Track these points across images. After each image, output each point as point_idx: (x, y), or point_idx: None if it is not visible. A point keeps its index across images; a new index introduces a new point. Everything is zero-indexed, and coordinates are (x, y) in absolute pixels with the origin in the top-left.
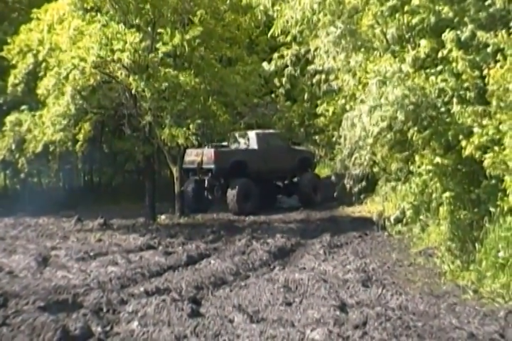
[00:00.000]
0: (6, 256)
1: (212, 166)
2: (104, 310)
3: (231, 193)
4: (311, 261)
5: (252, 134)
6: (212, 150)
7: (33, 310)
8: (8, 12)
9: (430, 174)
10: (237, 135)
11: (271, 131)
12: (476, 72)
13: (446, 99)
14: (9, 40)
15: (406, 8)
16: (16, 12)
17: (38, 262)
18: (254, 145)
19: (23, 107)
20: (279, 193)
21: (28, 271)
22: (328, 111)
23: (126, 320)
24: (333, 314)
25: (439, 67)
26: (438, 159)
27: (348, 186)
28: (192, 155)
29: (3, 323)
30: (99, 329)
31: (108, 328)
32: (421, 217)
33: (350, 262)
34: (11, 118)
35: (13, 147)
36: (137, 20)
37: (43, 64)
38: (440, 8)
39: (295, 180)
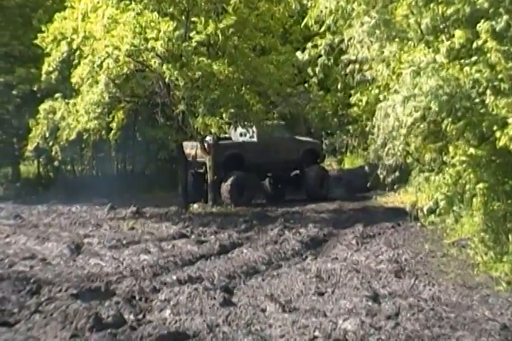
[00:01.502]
0: (39, 243)
1: (202, 159)
2: (137, 298)
3: (225, 186)
4: (344, 251)
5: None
6: (206, 143)
7: (65, 297)
8: (42, 0)
9: (464, 165)
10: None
11: (274, 122)
12: (511, 63)
13: (480, 90)
14: (43, 28)
15: None
16: (51, 0)
17: (70, 250)
18: (253, 137)
19: (57, 95)
20: (284, 185)
21: (60, 258)
22: (361, 101)
23: (159, 308)
24: (365, 304)
25: (474, 58)
26: (472, 150)
27: (381, 176)
28: (188, 148)
29: (36, 310)
30: (131, 317)
31: (140, 316)
32: (454, 208)
33: (383, 252)
34: (45, 106)
35: (47, 135)
36: (171, 9)
37: (77, 52)
38: None
39: (298, 172)
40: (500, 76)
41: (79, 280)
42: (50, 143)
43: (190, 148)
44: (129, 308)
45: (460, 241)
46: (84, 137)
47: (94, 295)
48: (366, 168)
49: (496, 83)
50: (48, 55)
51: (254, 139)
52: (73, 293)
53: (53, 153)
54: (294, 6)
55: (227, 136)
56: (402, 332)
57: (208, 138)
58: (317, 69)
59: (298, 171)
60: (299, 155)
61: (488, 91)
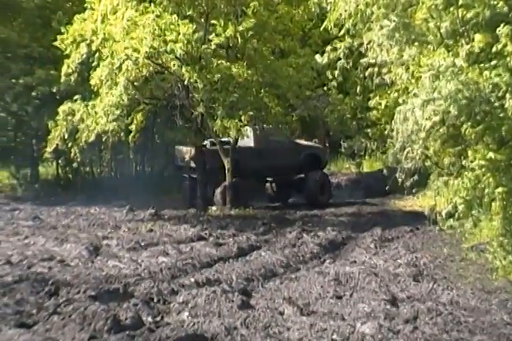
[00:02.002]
0: (57, 244)
1: (194, 165)
2: (155, 300)
3: (218, 192)
4: (362, 255)
5: (249, 130)
6: (198, 148)
7: (84, 299)
8: (62, 2)
9: (483, 169)
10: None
11: (271, 126)
12: None
13: (499, 94)
14: (63, 30)
15: (460, 2)
16: (70, 2)
17: (89, 251)
18: (250, 142)
19: (76, 97)
20: (285, 190)
21: (79, 260)
22: (380, 104)
23: (177, 311)
24: (383, 308)
25: (493, 62)
26: (491, 154)
27: (399, 180)
28: (181, 153)
29: (55, 312)
30: (149, 319)
31: (158, 318)
32: (473, 212)
33: (401, 256)
34: (64, 107)
35: (66, 136)
36: (190, 12)
37: (97, 54)
38: (495, 2)
39: (298, 177)
40: None
41: (97, 282)
42: (69, 145)
43: (184, 152)
44: (147, 310)
45: (479, 246)
46: (103, 139)
47: (112, 296)
48: (385, 171)
49: None
50: (68, 56)
51: (251, 144)
52: (91, 294)
53: (72, 154)
54: (313, 9)
55: (226, 139)
56: (421, 336)
57: (206, 142)
58: (336, 72)
59: (299, 176)
60: (298, 159)
61: (508, 95)
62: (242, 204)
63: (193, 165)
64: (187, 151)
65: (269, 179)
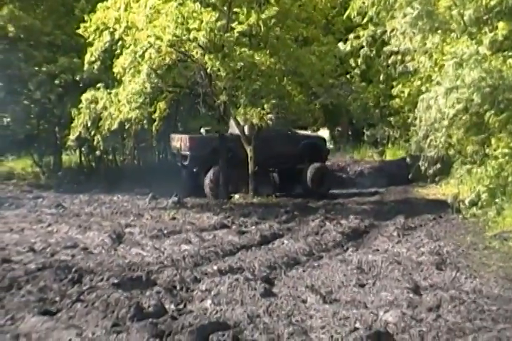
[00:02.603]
0: (80, 232)
1: (188, 153)
2: (178, 287)
3: (207, 180)
4: (385, 243)
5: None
6: (188, 136)
7: (107, 286)
8: None
9: (506, 157)
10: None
11: (269, 115)
12: None
13: None
14: (86, 18)
15: None
16: None
17: (112, 239)
18: (244, 130)
19: (99, 85)
20: (284, 181)
21: (102, 247)
22: (403, 92)
23: (200, 299)
24: (406, 296)
25: None
26: None
27: (422, 168)
28: (174, 141)
29: (78, 299)
30: (172, 306)
31: (181, 306)
32: (496, 200)
33: (424, 244)
34: (87, 95)
35: (89, 124)
36: None
37: (120, 42)
38: None
39: (298, 167)
40: None
41: (120, 270)
42: (92, 133)
43: (177, 140)
44: (169, 298)
45: (502, 234)
46: (126, 127)
47: (135, 284)
48: (408, 159)
49: None
50: (91, 44)
51: (245, 132)
52: (114, 282)
53: (95, 142)
54: None
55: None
56: (444, 324)
57: (202, 130)
58: (359, 60)
59: (299, 166)
60: (296, 149)
61: None
62: (228, 195)
63: (185, 153)
64: (179, 139)
65: (270, 169)
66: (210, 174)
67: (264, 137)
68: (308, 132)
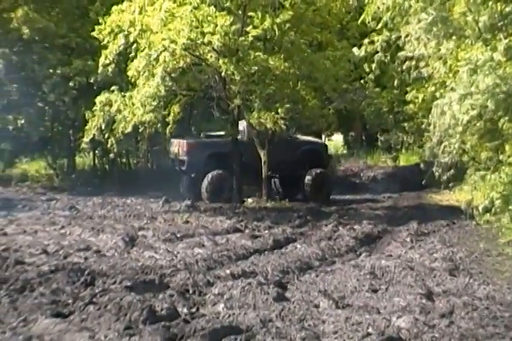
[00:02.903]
0: (93, 235)
1: (185, 158)
2: (191, 291)
3: (204, 185)
4: (398, 249)
5: (242, 124)
6: (185, 141)
7: (119, 289)
8: None
9: None
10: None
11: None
12: None
13: None
14: (101, 21)
15: None
16: None
17: (125, 242)
18: (243, 135)
19: (114, 87)
20: (285, 186)
21: (115, 250)
22: (417, 98)
23: (212, 302)
24: (419, 302)
25: None
26: None
27: (436, 174)
28: (173, 146)
29: (91, 302)
30: (185, 310)
31: (194, 310)
32: (510, 207)
33: (438, 250)
34: (101, 98)
35: (103, 127)
36: (228, 3)
37: (134, 45)
38: None
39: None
40: None
41: (133, 273)
42: (106, 136)
43: (175, 145)
44: (182, 301)
45: None
46: (140, 130)
47: (148, 287)
48: (421, 165)
49: None
50: (105, 47)
51: (242, 137)
52: (127, 285)
53: (109, 145)
54: (351, 2)
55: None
56: (456, 330)
57: (202, 135)
58: (373, 65)
59: (299, 172)
60: (295, 155)
61: None
62: (224, 200)
63: (182, 158)
64: (177, 144)
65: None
66: (207, 179)
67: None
68: (309, 138)
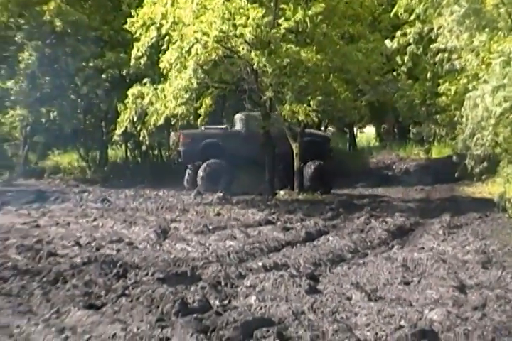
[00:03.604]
0: (126, 227)
1: (181, 148)
2: (222, 283)
3: (200, 174)
4: (430, 241)
5: (238, 116)
6: (181, 132)
7: (152, 281)
8: None
9: None
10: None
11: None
12: None
13: None
14: (133, 13)
15: None
16: None
17: (157, 234)
18: (238, 127)
19: (146, 80)
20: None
21: (147, 242)
22: (450, 90)
23: (244, 295)
24: (451, 295)
25: None
26: None
27: (469, 166)
28: (173, 137)
29: (123, 294)
30: (217, 302)
31: (226, 302)
32: None
33: (470, 243)
34: (133, 90)
35: (135, 119)
36: None
37: (166, 37)
38: None
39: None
40: None
41: (165, 265)
42: (138, 128)
43: (175, 136)
44: (214, 294)
45: None
46: (172, 122)
47: (180, 279)
48: (454, 157)
49: None
50: (137, 39)
51: (238, 128)
52: (159, 277)
53: (141, 137)
54: None
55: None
56: (489, 323)
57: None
58: (406, 57)
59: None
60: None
61: None
62: (220, 190)
63: (179, 149)
64: (175, 136)
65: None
66: (201, 169)
67: (258, 133)
68: (311, 130)
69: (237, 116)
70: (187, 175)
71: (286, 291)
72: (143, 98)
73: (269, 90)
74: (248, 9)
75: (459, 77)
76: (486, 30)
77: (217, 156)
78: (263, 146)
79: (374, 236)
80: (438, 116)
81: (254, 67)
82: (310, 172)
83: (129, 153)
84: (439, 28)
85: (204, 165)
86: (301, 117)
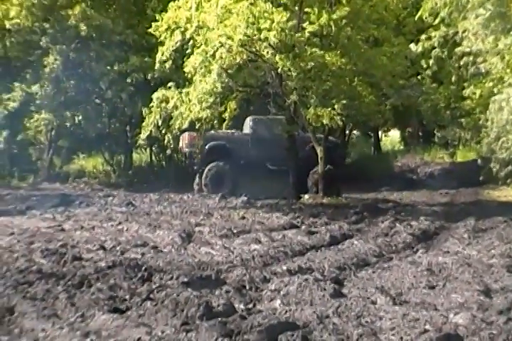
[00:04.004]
0: (150, 231)
1: (187, 150)
2: (247, 287)
3: (204, 176)
4: (455, 245)
5: (248, 119)
6: (187, 133)
7: (176, 285)
8: None
9: None
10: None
11: (278, 117)
12: None
13: None
14: (158, 17)
15: None
16: None
17: (182, 238)
18: (247, 130)
19: (170, 84)
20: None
21: (172, 246)
22: (475, 94)
23: (269, 298)
24: (476, 299)
25: None
26: None
27: (494, 170)
28: (180, 139)
29: (148, 297)
30: (241, 306)
31: (250, 305)
32: None
33: (495, 247)
34: (158, 94)
35: (160, 123)
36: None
37: (191, 41)
38: None
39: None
40: None
41: (190, 269)
42: (163, 132)
43: (182, 138)
44: (239, 297)
45: None
46: (197, 126)
47: (204, 283)
48: (479, 161)
49: None
50: (162, 44)
51: (247, 131)
52: (184, 281)
53: (166, 141)
54: None
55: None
56: None
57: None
58: (431, 61)
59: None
60: (303, 151)
61: None
62: (225, 191)
63: (184, 150)
64: (181, 138)
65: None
66: (205, 171)
67: (272, 139)
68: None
69: (247, 120)
70: (197, 178)
71: (310, 295)
72: (167, 102)
73: (294, 94)
74: (273, 13)
75: (484, 81)
76: (511, 33)
77: (223, 159)
78: (287, 150)
79: (399, 240)
80: (463, 120)
81: (279, 71)
82: (315, 179)
83: (153, 157)
84: (464, 31)
85: (207, 167)
86: (325, 121)
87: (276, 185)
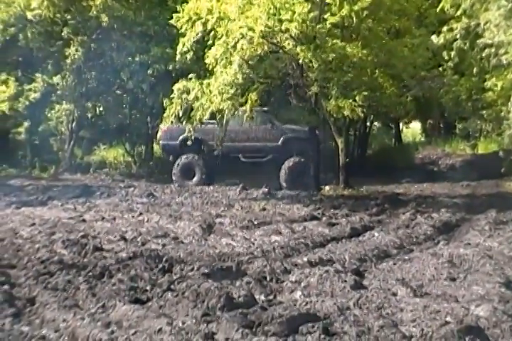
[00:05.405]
0: (171, 222)
1: (161, 142)
2: (268, 278)
3: (174, 168)
4: (476, 237)
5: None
6: (163, 126)
7: (197, 276)
8: None
9: None
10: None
11: (257, 108)
12: None
13: None
14: (179, 9)
15: None
16: None
17: (202, 229)
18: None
19: (191, 75)
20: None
21: (192, 237)
22: (496, 85)
23: (289, 290)
24: (498, 291)
25: None
26: None
27: None
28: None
29: (168, 288)
30: (262, 297)
31: (271, 297)
32: None
33: None
34: (179, 85)
35: (181, 114)
36: None
37: (212, 33)
38: None
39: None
40: None
41: (210, 260)
42: (184, 123)
43: (159, 131)
44: (259, 289)
45: None
46: (218, 117)
47: (225, 274)
48: (500, 153)
49: None
50: (183, 35)
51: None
52: (205, 272)
53: (186, 132)
54: None
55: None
56: None
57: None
58: (452, 53)
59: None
60: (277, 143)
61: None
62: (195, 184)
63: (161, 142)
64: (160, 130)
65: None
66: (179, 164)
67: (245, 130)
68: (293, 126)
69: None
70: (173, 169)
71: (331, 287)
72: (188, 93)
73: (315, 85)
74: (294, 4)
75: (505, 72)
76: None
77: (195, 151)
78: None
79: (420, 231)
80: (484, 112)
81: (300, 62)
82: (285, 173)
83: None
84: (486, 22)
85: (179, 159)
86: (346, 112)
87: (250, 177)
